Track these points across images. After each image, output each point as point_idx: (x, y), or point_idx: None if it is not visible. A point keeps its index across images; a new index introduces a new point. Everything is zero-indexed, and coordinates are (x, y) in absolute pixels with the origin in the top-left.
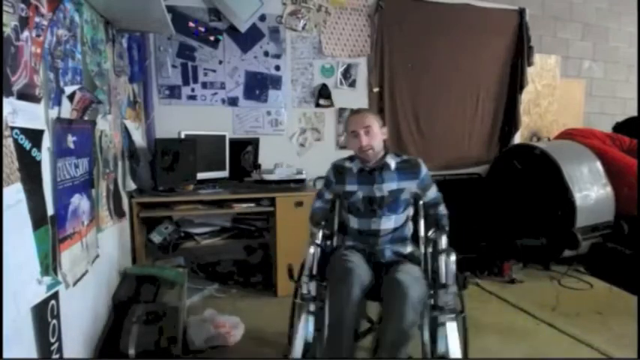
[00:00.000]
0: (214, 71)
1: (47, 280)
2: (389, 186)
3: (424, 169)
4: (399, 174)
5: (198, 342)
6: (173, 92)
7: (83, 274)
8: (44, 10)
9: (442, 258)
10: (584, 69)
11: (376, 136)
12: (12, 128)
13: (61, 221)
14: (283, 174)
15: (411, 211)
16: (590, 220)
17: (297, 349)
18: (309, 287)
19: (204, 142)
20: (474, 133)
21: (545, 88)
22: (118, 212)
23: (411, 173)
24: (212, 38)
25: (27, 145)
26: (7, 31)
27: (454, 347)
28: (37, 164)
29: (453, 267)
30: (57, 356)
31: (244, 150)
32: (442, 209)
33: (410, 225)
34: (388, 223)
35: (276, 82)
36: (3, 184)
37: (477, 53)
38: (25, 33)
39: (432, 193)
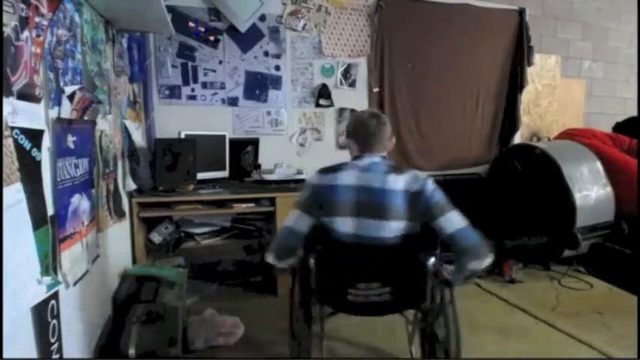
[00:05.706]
0: (214, 71)
1: (47, 280)
2: None
3: None
4: None
5: (198, 342)
6: (173, 92)
7: (83, 274)
8: (44, 10)
9: None
10: (584, 69)
11: None
12: (12, 128)
13: (61, 221)
14: (283, 174)
15: None
16: (590, 220)
17: None
18: None
19: (204, 142)
20: (474, 133)
21: (545, 88)
22: (118, 212)
23: None
24: (212, 38)
25: (27, 145)
26: (7, 31)
27: None
28: (37, 164)
29: None
30: (57, 356)
31: (244, 150)
32: None
33: None
34: None
35: (276, 82)
36: (3, 184)
37: (477, 53)
38: (25, 33)
39: None
